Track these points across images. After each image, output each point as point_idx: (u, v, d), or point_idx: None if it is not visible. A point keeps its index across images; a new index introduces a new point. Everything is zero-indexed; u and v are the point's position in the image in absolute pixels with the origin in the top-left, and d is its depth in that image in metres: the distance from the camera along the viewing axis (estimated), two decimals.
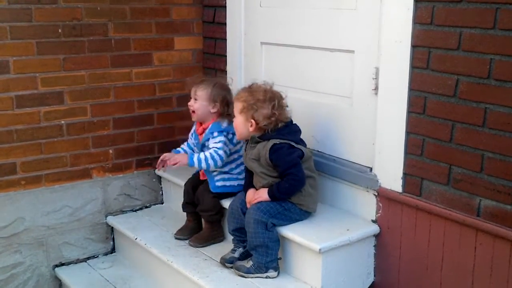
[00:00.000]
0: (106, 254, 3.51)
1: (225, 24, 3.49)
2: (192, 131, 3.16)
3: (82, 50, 3.25)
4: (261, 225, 2.61)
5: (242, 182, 2.97)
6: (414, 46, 2.44)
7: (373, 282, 2.78)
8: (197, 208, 3.07)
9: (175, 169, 3.07)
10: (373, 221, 2.73)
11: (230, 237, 2.90)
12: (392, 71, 2.54)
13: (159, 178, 3.65)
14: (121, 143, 3.49)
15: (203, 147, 3.03)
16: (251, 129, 2.67)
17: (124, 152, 3.51)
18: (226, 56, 3.52)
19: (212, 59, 3.65)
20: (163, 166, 3.00)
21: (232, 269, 2.74)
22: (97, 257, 3.47)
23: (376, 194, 2.70)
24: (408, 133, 2.52)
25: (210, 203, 3.01)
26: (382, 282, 2.75)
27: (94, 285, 3.15)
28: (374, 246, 2.74)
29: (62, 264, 3.36)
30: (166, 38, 3.56)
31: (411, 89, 2.48)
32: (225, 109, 2.98)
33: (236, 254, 2.79)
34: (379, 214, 2.71)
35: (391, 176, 2.61)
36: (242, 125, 2.69)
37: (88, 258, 3.44)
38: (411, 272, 2.60)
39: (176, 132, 3.66)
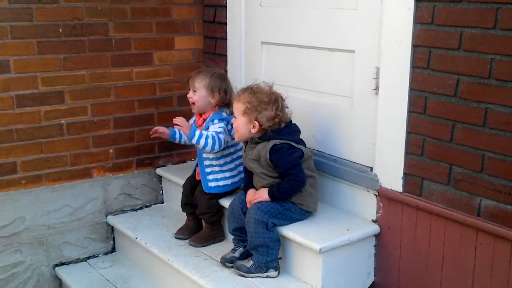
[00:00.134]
0: (106, 253, 3.51)
1: (226, 23, 3.49)
2: (191, 121, 3.16)
3: (82, 50, 3.25)
4: (261, 225, 2.61)
5: (235, 180, 2.99)
6: (414, 46, 2.44)
7: (373, 282, 2.78)
8: (196, 211, 3.07)
9: (164, 137, 3.11)
10: (374, 221, 2.73)
11: (230, 237, 2.91)
12: (392, 71, 2.54)
13: (160, 177, 3.65)
14: (121, 143, 3.49)
15: None
16: (253, 130, 2.66)
17: (124, 152, 3.51)
18: (226, 55, 3.52)
19: (212, 58, 3.65)
20: (154, 134, 3.06)
21: (232, 269, 2.74)
22: (97, 256, 3.47)
23: (377, 194, 2.70)
24: (408, 133, 2.52)
25: (208, 205, 3.01)
26: (382, 282, 2.75)
27: (94, 285, 3.15)
28: (375, 246, 2.74)
29: (63, 264, 3.36)
30: (167, 37, 3.56)
31: (411, 89, 2.48)
32: (224, 99, 2.98)
33: (237, 254, 2.79)
34: (379, 214, 2.71)
35: (392, 176, 2.61)
36: (244, 126, 2.68)
37: (89, 258, 3.44)
38: (411, 272, 2.60)
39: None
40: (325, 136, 2.97)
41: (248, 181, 2.82)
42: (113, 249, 3.53)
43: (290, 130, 2.69)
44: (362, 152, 2.78)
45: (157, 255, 3.02)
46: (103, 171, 3.44)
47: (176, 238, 3.14)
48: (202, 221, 3.14)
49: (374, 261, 2.76)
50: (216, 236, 3.08)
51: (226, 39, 3.51)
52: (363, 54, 2.72)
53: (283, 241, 2.70)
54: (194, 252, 2.98)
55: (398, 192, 2.60)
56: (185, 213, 3.19)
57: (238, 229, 2.78)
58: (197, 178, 3.12)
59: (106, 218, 3.48)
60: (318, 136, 3.00)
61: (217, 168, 3.02)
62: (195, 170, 3.19)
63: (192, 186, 3.13)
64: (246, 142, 2.77)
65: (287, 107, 2.71)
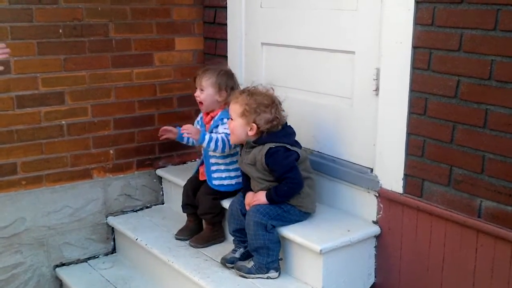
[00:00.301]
0: (106, 254, 3.51)
1: (226, 24, 3.49)
2: (198, 118, 3.15)
3: (82, 51, 3.25)
4: (261, 227, 2.61)
5: (240, 180, 2.98)
6: (415, 47, 2.44)
7: (374, 283, 2.78)
8: (198, 211, 3.07)
9: (172, 137, 3.07)
10: (374, 222, 2.73)
11: (230, 238, 2.91)
12: (393, 72, 2.54)
13: (160, 178, 3.65)
14: (121, 144, 3.49)
15: None
16: (250, 132, 2.65)
17: (124, 153, 3.51)
18: (226, 56, 3.52)
19: (212, 59, 3.64)
20: (163, 135, 3.03)
21: (233, 269, 2.74)
22: (97, 257, 3.47)
23: (377, 195, 2.70)
24: (409, 134, 2.52)
25: (211, 206, 3.01)
26: (383, 283, 2.75)
27: (95, 286, 3.15)
28: (375, 247, 2.74)
29: (63, 264, 3.36)
30: (167, 38, 3.56)
31: (412, 90, 2.48)
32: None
33: (237, 254, 2.79)
34: (380, 215, 2.71)
35: (392, 177, 2.61)
36: (241, 128, 2.67)
37: (89, 259, 3.44)
38: (412, 273, 2.60)
39: None
40: (325, 137, 2.97)
41: (246, 184, 2.82)
42: (113, 250, 3.53)
43: (285, 132, 2.68)
44: (362, 153, 2.78)
45: (157, 256, 3.02)
46: (103, 172, 3.44)
47: (177, 239, 3.13)
48: (203, 222, 3.14)
49: (375, 262, 2.76)
50: (216, 237, 3.08)
51: (226, 40, 3.51)
52: (363, 55, 2.72)
53: (284, 242, 2.70)
54: (195, 253, 2.98)
55: (398, 193, 2.60)
56: (185, 214, 3.19)
57: (239, 230, 2.78)
58: (201, 178, 3.11)
59: (106, 219, 3.48)
60: (318, 137, 3.00)
61: (222, 167, 3.01)
62: (197, 171, 3.18)
63: (194, 187, 3.12)
64: (241, 146, 2.77)
65: (283, 110, 2.70)
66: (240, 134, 2.68)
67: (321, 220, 2.77)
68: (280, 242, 2.68)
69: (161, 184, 3.67)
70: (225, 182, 3.02)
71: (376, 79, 2.63)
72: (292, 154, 2.63)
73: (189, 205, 3.14)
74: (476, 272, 2.34)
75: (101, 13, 3.28)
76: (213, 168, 3.02)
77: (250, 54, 3.39)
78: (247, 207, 2.73)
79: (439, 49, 2.35)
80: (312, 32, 2.97)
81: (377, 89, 2.64)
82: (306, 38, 3.02)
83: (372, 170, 2.73)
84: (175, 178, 3.46)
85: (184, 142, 3.10)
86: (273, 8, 3.21)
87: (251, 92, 2.68)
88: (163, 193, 3.69)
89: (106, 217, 3.48)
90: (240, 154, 2.76)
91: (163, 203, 3.69)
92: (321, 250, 2.52)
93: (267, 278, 2.66)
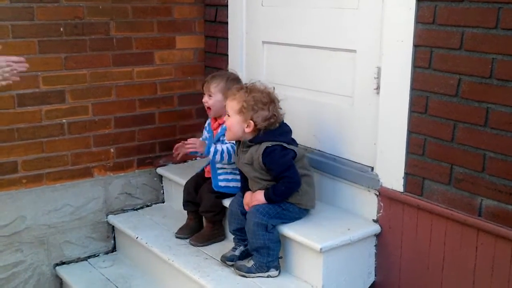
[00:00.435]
0: (107, 253, 3.51)
1: (227, 23, 3.49)
2: (206, 124, 3.16)
3: (83, 49, 3.25)
4: (261, 227, 2.61)
5: None
6: (416, 46, 2.44)
7: (374, 282, 2.77)
8: (199, 209, 3.06)
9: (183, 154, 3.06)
10: (374, 221, 2.73)
11: (231, 236, 2.90)
12: (394, 70, 2.54)
13: (160, 177, 3.65)
14: (122, 142, 3.49)
15: (217, 141, 3.01)
16: (247, 130, 2.64)
17: (125, 151, 3.51)
18: (227, 55, 3.52)
19: (213, 58, 3.64)
20: (178, 154, 3.02)
21: (232, 268, 2.74)
22: (98, 256, 3.47)
23: (378, 193, 2.69)
24: (409, 132, 2.52)
25: (212, 204, 3.00)
26: (383, 281, 2.75)
27: (95, 284, 3.15)
28: (375, 245, 2.74)
29: (63, 263, 3.36)
30: (168, 37, 3.56)
31: (413, 88, 2.48)
32: None
33: (237, 252, 2.79)
34: (380, 214, 2.70)
35: (393, 175, 2.61)
36: (238, 125, 2.65)
37: (89, 257, 3.44)
38: (412, 271, 2.60)
39: (177, 131, 3.66)
40: (326, 135, 2.97)
41: (244, 184, 2.82)
42: (113, 249, 3.53)
43: (281, 131, 2.67)
44: (363, 152, 2.78)
45: (157, 255, 3.02)
46: (104, 171, 3.44)
47: (177, 237, 3.13)
48: (203, 220, 3.13)
49: (375, 260, 2.75)
50: (217, 236, 3.08)
51: (227, 38, 3.51)
52: (364, 54, 2.72)
53: (284, 241, 2.70)
54: (195, 252, 2.98)
55: (399, 192, 2.60)
56: (185, 213, 3.19)
57: (239, 230, 2.78)
58: (206, 175, 3.11)
59: (107, 218, 3.48)
60: (319, 135, 3.00)
61: (229, 170, 3.02)
62: (203, 169, 3.18)
63: (197, 184, 3.12)
64: (237, 145, 2.76)
65: (281, 108, 2.70)
66: (237, 131, 2.67)
67: (322, 219, 2.77)
68: (280, 241, 2.67)
69: (162, 183, 3.67)
70: (231, 184, 3.02)
71: (377, 78, 2.63)
72: (289, 153, 2.62)
73: (190, 202, 3.13)
74: (476, 270, 2.34)
75: (102, 12, 3.28)
76: (220, 171, 3.02)
77: (251, 53, 3.39)
78: (245, 207, 2.73)
79: (440, 47, 2.35)
80: (313, 30, 2.97)
81: (378, 88, 2.64)
82: (307, 37, 3.02)
83: (372, 168, 2.72)
84: (175, 177, 3.46)
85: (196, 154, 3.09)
86: (274, 7, 3.21)
87: (249, 89, 2.67)
88: (163, 191, 3.69)
89: (107, 215, 3.48)
90: (237, 154, 2.76)
91: (163, 202, 3.69)
92: (321, 249, 2.52)
93: (267, 276, 2.66)
